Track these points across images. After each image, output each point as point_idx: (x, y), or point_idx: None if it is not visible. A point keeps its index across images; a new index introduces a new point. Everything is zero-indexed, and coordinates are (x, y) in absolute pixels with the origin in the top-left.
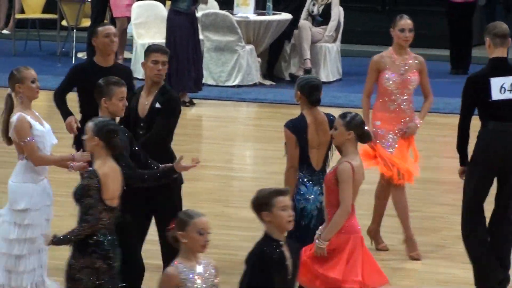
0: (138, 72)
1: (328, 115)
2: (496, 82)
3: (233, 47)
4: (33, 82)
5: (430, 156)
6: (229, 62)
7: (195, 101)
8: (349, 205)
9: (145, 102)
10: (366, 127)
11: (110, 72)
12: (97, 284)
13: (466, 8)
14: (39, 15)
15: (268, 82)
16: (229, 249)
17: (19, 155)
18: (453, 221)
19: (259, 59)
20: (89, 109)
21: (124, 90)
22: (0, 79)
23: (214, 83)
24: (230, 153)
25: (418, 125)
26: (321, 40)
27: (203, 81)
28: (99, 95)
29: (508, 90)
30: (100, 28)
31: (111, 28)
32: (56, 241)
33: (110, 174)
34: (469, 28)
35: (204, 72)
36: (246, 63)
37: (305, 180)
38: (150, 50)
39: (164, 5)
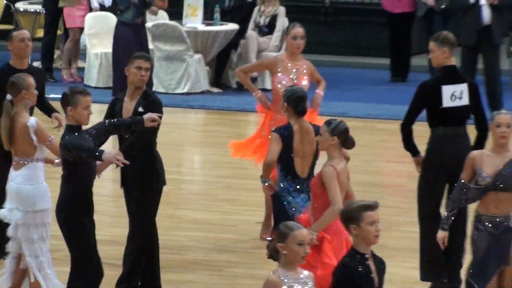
0: (92, 80)
1: (314, 125)
2: (447, 90)
3: (182, 56)
4: (35, 88)
5: (371, 160)
6: (178, 70)
7: None
8: (340, 202)
9: (128, 107)
10: (349, 134)
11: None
12: None
13: (405, 18)
14: None
15: (215, 90)
16: (179, 249)
17: (26, 159)
18: (394, 222)
19: (207, 68)
20: None
21: (89, 99)
22: None
23: (164, 91)
24: (180, 158)
25: (322, 94)
26: (267, 49)
27: (154, 89)
28: (65, 104)
29: (458, 98)
30: (15, 33)
31: (25, 33)
32: None
33: None
34: (408, 37)
35: (154, 80)
36: (195, 72)
37: (291, 189)
38: (134, 57)
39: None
